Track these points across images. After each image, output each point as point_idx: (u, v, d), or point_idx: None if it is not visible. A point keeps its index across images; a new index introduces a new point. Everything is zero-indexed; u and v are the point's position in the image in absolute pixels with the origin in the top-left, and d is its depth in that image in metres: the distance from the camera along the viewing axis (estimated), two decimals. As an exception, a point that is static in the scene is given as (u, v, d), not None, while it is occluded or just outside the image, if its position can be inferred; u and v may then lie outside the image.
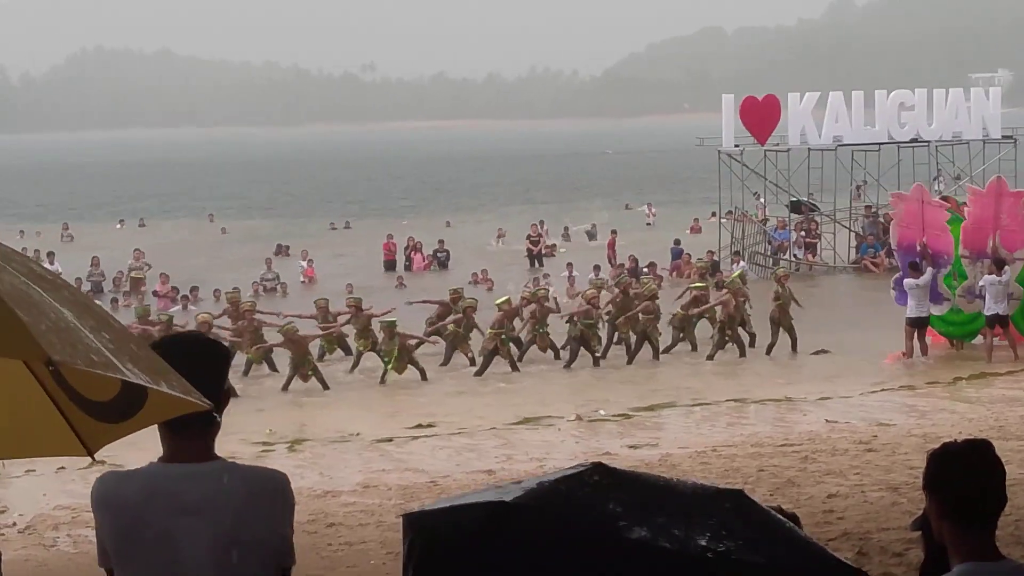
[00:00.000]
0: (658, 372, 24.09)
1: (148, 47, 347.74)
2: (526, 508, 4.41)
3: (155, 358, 3.31)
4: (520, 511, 4.40)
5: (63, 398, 3.49)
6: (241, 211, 68.76)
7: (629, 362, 24.85)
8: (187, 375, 3.47)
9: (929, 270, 23.73)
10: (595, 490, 4.49)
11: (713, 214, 42.35)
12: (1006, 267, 23.33)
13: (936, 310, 24.06)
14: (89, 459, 3.56)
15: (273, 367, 24.71)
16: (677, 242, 40.02)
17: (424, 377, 23.75)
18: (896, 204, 26.04)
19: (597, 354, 24.93)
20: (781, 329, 25.22)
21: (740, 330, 25.44)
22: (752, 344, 25.49)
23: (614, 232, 42.90)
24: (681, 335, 25.80)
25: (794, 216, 39.71)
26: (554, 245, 44.78)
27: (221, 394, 3.97)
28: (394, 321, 24.47)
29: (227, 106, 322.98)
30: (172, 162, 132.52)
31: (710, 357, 24.91)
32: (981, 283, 23.52)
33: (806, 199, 40.53)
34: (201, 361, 3.83)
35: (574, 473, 4.60)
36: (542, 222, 45.62)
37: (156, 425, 3.99)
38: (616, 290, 26.69)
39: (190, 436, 3.95)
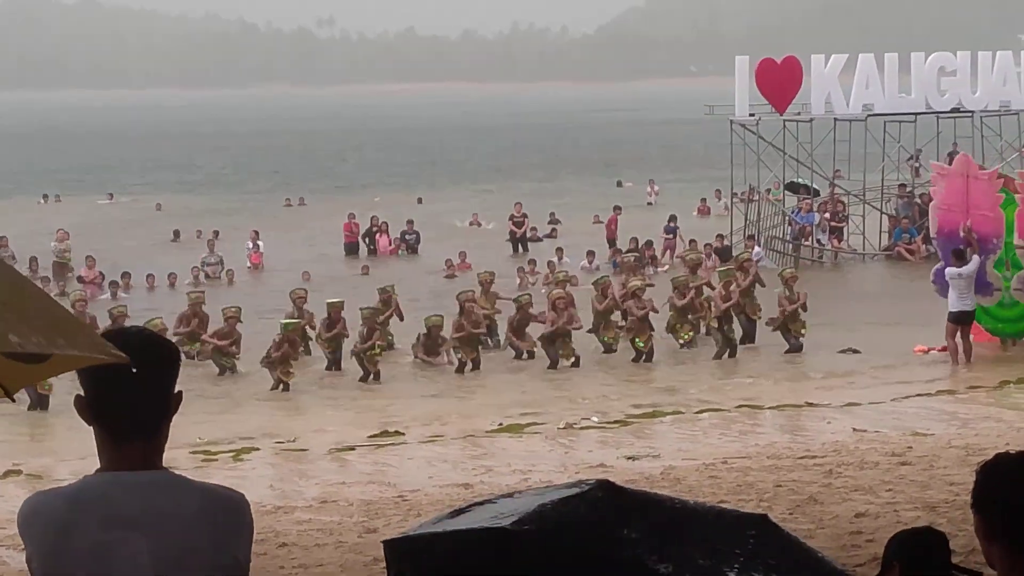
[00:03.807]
0: (657, 374, 24.17)
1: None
2: (532, 536, 4.37)
3: (60, 315, 3.28)
4: (525, 540, 4.37)
5: None
6: (178, 185, 68.58)
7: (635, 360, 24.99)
8: (133, 376, 3.44)
9: (975, 258, 23.43)
10: (605, 514, 4.49)
11: (735, 195, 41.68)
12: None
13: (984, 302, 23.96)
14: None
15: (234, 369, 25.23)
16: (672, 219, 39.97)
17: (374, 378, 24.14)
18: (936, 181, 25.87)
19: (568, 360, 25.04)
20: (790, 331, 25.40)
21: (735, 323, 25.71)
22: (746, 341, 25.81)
23: (617, 208, 42.57)
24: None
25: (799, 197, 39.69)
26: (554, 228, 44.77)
27: (170, 399, 3.95)
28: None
29: (161, 64, 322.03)
30: (97, 128, 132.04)
31: (717, 357, 25.09)
32: None
33: (803, 181, 40.39)
34: (148, 363, 3.80)
35: (577, 493, 4.59)
36: (519, 204, 45.01)
37: (93, 435, 3.98)
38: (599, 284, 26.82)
39: (131, 443, 3.89)
